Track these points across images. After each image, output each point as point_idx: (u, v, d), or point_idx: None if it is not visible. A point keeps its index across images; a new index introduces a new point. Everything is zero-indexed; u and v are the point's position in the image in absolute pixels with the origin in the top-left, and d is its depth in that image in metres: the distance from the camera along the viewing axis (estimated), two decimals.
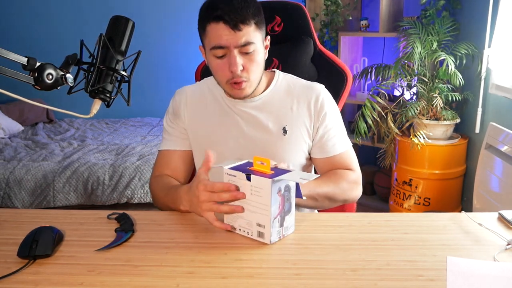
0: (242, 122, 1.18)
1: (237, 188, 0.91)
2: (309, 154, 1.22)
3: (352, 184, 1.16)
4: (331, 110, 1.19)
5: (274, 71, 1.25)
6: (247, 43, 1.04)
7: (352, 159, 1.20)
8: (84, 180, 2.56)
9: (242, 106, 1.18)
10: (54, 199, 2.54)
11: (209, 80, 1.25)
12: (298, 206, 1.07)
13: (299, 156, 1.19)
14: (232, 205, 0.92)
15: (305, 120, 1.18)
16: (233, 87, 1.10)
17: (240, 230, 0.93)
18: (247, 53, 1.06)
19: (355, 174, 1.18)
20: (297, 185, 0.94)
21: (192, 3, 3.69)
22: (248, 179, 0.89)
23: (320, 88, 1.20)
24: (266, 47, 1.13)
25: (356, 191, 1.17)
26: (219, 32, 1.03)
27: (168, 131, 1.26)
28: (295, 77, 1.24)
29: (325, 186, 1.11)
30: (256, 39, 1.06)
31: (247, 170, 0.91)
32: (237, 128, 1.18)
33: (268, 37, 1.13)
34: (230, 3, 1.02)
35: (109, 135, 3.37)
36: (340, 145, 1.19)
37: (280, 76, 1.23)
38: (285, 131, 1.17)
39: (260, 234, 0.90)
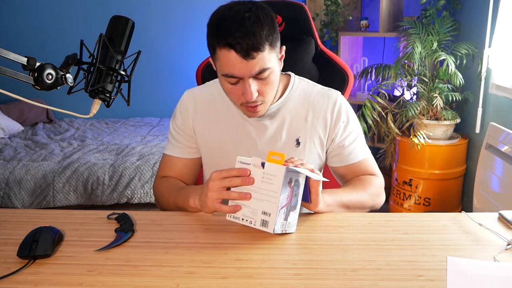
0: (254, 132, 1.15)
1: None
2: (326, 164, 1.20)
3: (379, 189, 1.15)
4: (349, 119, 1.16)
5: (289, 75, 1.20)
6: (262, 70, 0.98)
7: (373, 165, 1.18)
8: (84, 180, 2.56)
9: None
10: (54, 199, 2.54)
11: (218, 84, 1.18)
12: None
13: None
14: (241, 192, 0.91)
15: (319, 131, 1.15)
16: (248, 110, 1.06)
17: (243, 219, 0.93)
18: (262, 78, 1.00)
19: (380, 179, 1.17)
20: (305, 188, 0.95)
21: (193, 3, 3.70)
22: (262, 166, 0.90)
23: (336, 96, 1.16)
24: (281, 58, 1.06)
25: (382, 195, 1.16)
26: (231, 60, 0.96)
27: (174, 136, 1.21)
28: (311, 82, 1.20)
29: (355, 193, 1.09)
30: (271, 61, 0.99)
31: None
32: (248, 139, 1.15)
33: (284, 47, 1.06)
34: (241, 26, 0.93)
35: (109, 135, 3.37)
36: (360, 152, 1.17)
37: (296, 82, 1.18)
38: (298, 143, 1.14)
39: (264, 223, 0.90)
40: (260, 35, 0.94)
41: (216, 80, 1.20)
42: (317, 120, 1.15)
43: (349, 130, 1.16)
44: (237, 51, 0.94)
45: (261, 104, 1.05)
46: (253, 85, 1.00)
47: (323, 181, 0.97)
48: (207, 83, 1.25)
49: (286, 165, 0.90)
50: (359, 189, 1.11)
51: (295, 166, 0.91)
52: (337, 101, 1.16)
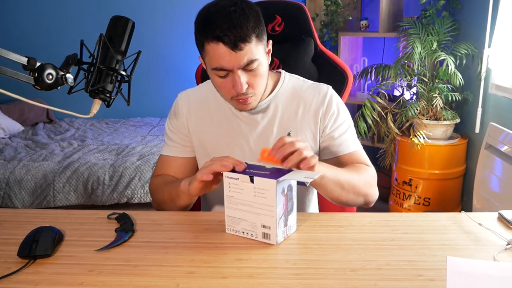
0: (247, 129, 1.16)
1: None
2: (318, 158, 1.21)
3: (372, 179, 1.12)
4: (339, 110, 1.17)
5: (280, 72, 1.21)
6: (250, 62, 1.00)
7: (366, 158, 1.17)
8: (84, 180, 2.56)
9: (246, 111, 1.15)
10: (54, 199, 2.54)
11: (211, 84, 1.20)
12: (325, 193, 1.04)
13: None
14: (223, 165, 0.94)
15: (310, 124, 1.16)
16: (239, 102, 1.07)
17: (243, 233, 0.93)
18: (250, 70, 1.02)
19: (373, 170, 1.15)
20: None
21: (192, 3, 3.70)
22: (252, 181, 0.89)
23: (326, 89, 1.17)
24: (268, 52, 1.08)
25: (376, 189, 1.13)
26: (220, 53, 0.98)
27: (169, 137, 1.23)
28: (301, 78, 1.22)
29: (350, 173, 1.07)
30: (259, 53, 1.01)
31: (248, 172, 0.90)
32: (241, 135, 1.17)
33: (270, 41, 1.09)
34: (228, 19, 0.96)
35: (109, 135, 3.37)
36: (351, 144, 1.16)
37: (286, 78, 1.20)
38: None
39: (266, 236, 0.90)
40: (247, 26, 0.97)
41: (209, 81, 1.22)
42: (308, 113, 1.16)
43: (340, 121, 1.16)
44: (225, 43, 0.97)
45: (251, 96, 1.06)
46: (243, 77, 1.02)
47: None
48: (200, 84, 1.28)
49: (277, 163, 0.90)
50: (354, 172, 1.09)
51: (285, 159, 0.89)
52: (327, 93, 1.17)
